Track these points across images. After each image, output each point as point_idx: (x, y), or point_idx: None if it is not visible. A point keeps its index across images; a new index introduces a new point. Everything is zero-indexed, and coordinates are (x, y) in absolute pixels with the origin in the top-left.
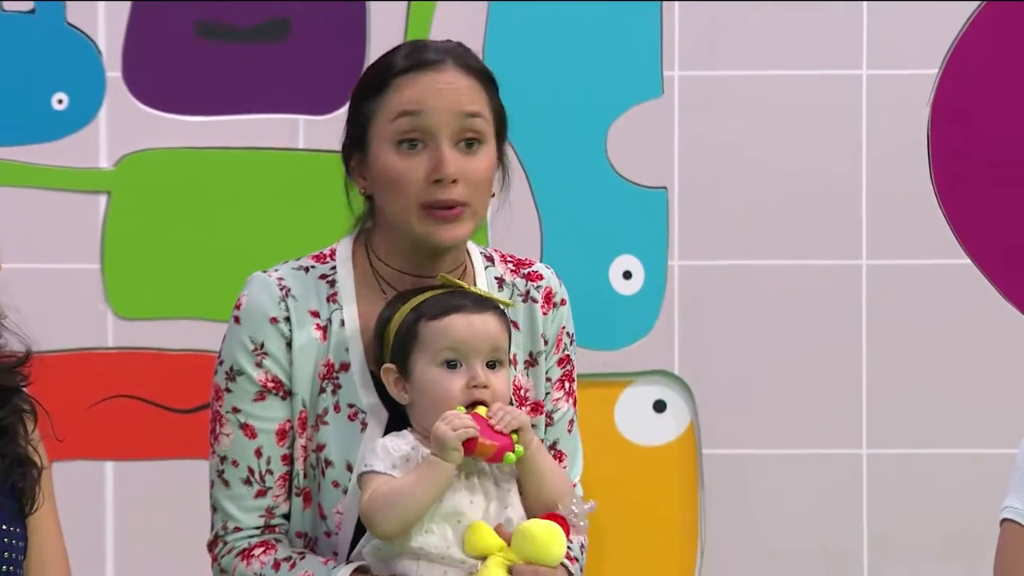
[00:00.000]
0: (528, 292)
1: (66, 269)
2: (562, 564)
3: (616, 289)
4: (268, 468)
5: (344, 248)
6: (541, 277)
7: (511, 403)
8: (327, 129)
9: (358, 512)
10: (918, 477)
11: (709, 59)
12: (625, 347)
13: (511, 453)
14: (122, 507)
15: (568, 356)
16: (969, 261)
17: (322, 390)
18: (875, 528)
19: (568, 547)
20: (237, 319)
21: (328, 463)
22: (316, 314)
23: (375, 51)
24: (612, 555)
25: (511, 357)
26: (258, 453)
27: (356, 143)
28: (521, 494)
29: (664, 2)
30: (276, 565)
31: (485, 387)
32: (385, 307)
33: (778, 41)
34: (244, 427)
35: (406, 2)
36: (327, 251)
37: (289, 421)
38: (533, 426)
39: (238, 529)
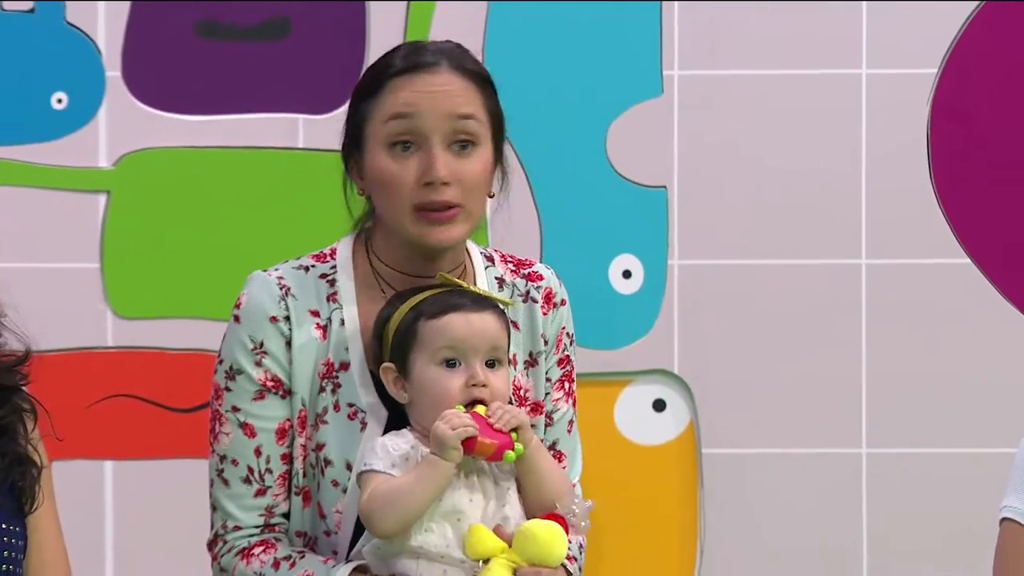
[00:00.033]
0: (528, 292)
1: (66, 268)
2: (561, 564)
3: (616, 288)
4: (268, 467)
5: (344, 248)
6: (541, 277)
7: (510, 402)
8: (327, 128)
9: (357, 511)
10: (918, 476)
11: (709, 59)
12: (625, 346)
13: (510, 451)
14: (122, 506)
15: (568, 356)
16: (969, 261)
17: (322, 389)
18: (875, 527)
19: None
20: (237, 318)
21: (327, 462)
22: (316, 313)
23: (375, 51)
24: (611, 554)
25: (511, 357)
26: (257, 452)
27: (354, 143)
28: (521, 494)
29: (664, 2)
30: (276, 564)
31: (484, 386)
32: (384, 306)
33: (778, 41)
34: (244, 426)
35: (406, 2)
36: (327, 250)
37: (288, 420)
38: (533, 426)
39: (238, 528)
